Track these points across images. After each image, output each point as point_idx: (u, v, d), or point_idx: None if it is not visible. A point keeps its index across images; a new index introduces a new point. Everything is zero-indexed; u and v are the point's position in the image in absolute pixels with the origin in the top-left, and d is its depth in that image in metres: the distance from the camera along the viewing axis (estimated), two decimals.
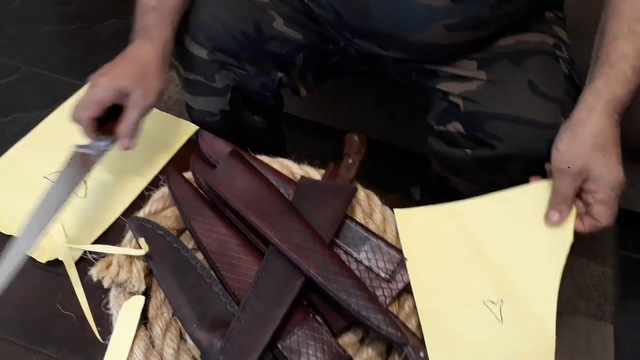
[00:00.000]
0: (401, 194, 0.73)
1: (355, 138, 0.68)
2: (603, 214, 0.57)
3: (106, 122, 0.65)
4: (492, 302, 0.58)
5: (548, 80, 0.65)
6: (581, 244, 1.21)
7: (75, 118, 0.63)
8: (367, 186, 0.70)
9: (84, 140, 0.65)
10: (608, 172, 0.56)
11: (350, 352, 0.55)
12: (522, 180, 0.68)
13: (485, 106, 0.66)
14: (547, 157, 0.64)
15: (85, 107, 0.63)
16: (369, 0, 0.65)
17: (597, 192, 0.57)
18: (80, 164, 0.63)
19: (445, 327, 0.57)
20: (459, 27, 0.65)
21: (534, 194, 0.61)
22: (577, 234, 0.59)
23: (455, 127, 0.69)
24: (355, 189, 0.65)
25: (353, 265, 0.61)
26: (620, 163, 0.56)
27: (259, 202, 0.59)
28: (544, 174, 0.67)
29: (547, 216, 0.59)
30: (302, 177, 0.66)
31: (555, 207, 0.58)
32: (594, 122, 0.56)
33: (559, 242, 0.59)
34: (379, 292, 0.59)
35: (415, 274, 0.60)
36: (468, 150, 0.69)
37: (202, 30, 0.72)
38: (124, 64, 0.65)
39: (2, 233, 0.65)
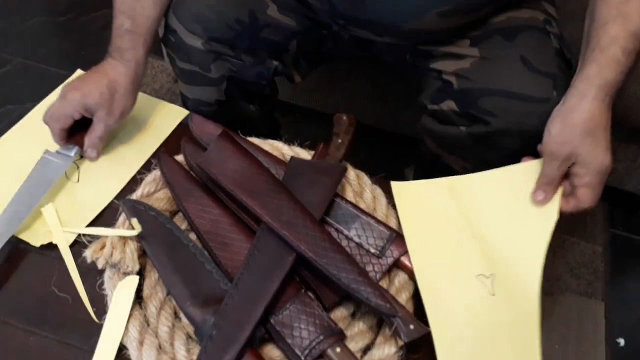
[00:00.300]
0: (394, 177, 0.73)
1: (344, 118, 0.69)
2: (587, 197, 0.59)
3: (75, 130, 0.71)
4: (485, 277, 0.59)
5: (540, 55, 0.66)
6: (572, 224, 1.24)
7: (47, 124, 0.69)
8: (359, 169, 0.71)
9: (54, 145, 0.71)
10: (595, 157, 0.57)
11: (341, 326, 0.56)
12: (516, 155, 0.69)
13: (479, 83, 0.67)
14: (541, 132, 0.65)
15: (56, 119, 0.69)
16: None
17: (583, 175, 0.58)
18: (49, 169, 0.69)
19: (442, 298, 0.58)
20: (452, 13, 0.66)
21: (524, 173, 0.64)
22: (562, 213, 0.62)
23: (449, 105, 0.70)
24: (345, 168, 0.66)
25: (344, 242, 0.62)
26: (608, 149, 0.58)
27: (249, 182, 0.60)
28: (536, 151, 0.68)
29: (533, 194, 0.61)
30: (292, 157, 0.67)
31: (542, 188, 0.61)
32: (585, 109, 0.57)
33: (545, 219, 0.61)
34: (369, 268, 0.60)
35: (413, 245, 0.61)
36: (462, 128, 0.70)
37: (197, 20, 0.72)
38: (95, 82, 0.69)
39: None
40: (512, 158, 0.69)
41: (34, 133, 0.74)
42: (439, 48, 0.71)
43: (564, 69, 0.67)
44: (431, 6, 0.64)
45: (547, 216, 0.61)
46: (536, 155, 0.64)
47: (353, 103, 1.16)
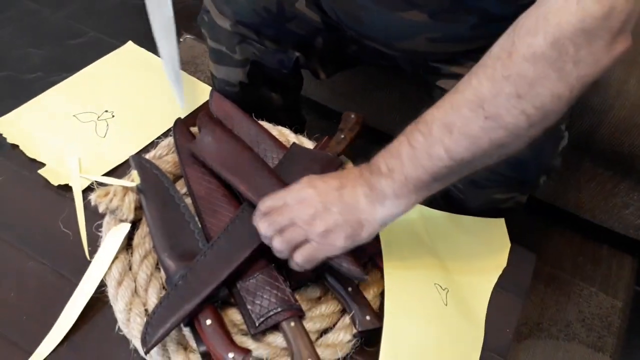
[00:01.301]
0: None
1: (352, 116, 0.72)
2: None
3: None
4: (441, 287, 0.61)
5: None
6: (594, 273, 1.19)
7: None
8: None
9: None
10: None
11: (305, 307, 0.59)
12: (502, 179, 0.70)
13: None
14: (523, 159, 0.66)
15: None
16: (360, 11, 0.69)
17: None
18: None
19: (402, 297, 0.60)
20: (441, 40, 0.67)
21: (485, 225, 0.72)
22: None
23: None
24: (341, 162, 0.69)
25: None
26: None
27: (235, 161, 0.64)
28: (523, 175, 0.68)
29: None
30: (294, 143, 0.70)
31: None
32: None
33: (494, 264, 0.69)
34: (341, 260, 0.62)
35: (386, 247, 0.63)
36: None
37: (228, 2, 0.78)
38: None
39: (35, 160, 0.73)
40: (497, 182, 0.70)
41: (80, 88, 0.83)
42: (447, 67, 0.73)
43: None
44: (421, 30, 0.65)
45: (496, 263, 0.69)
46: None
47: (385, 114, 1.18)
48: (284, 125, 0.79)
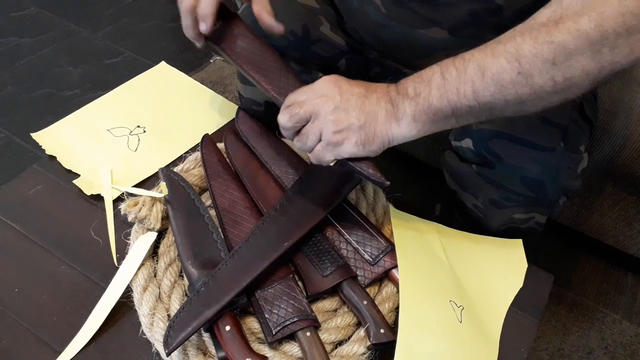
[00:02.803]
0: (425, 209, 0.77)
1: None
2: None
3: None
4: (456, 304, 0.62)
5: (554, 107, 0.67)
6: (617, 300, 1.17)
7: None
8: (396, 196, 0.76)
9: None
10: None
11: (321, 318, 0.61)
12: (519, 200, 0.71)
13: (494, 125, 0.69)
14: (543, 181, 0.67)
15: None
16: (379, 29, 0.71)
17: None
18: None
19: (417, 311, 0.61)
20: None
21: (502, 245, 0.72)
22: None
23: (467, 143, 0.73)
24: (360, 178, 0.71)
25: (342, 245, 0.67)
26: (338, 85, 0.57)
27: (259, 59, 0.66)
28: (541, 195, 0.69)
29: None
30: None
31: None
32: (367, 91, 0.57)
33: (510, 284, 0.69)
34: (360, 272, 0.64)
35: (402, 262, 0.64)
36: (474, 166, 0.72)
37: (256, 24, 0.81)
38: None
39: (71, 171, 0.78)
40: (516, 202, 0.71)
41: (114, 105, 0.87)
42: None
43: (581, 125, 0.67)
44: (441, 47, 0.67)
45: (513, 283, 0.69)
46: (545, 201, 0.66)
47: None
48: None
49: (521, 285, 0.70)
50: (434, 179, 1.26)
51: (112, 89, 0.94)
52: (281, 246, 0.62)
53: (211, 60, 1.67)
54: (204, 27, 0.62)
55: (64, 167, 0.78)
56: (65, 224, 0.72)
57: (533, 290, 0.70)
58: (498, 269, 0.71)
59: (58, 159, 0.79)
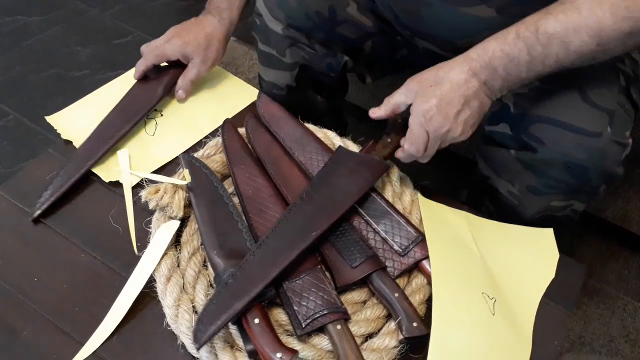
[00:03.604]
0: (449, 195, 0.75)
1: (399, 120, 0.71)
2: (407, 140, 0.64)
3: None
4: (488, 297, 0.60)
5: (600, 90, 0.64)
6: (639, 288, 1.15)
7: (143, 54, 0.83)
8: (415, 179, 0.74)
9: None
10: (421, 104, 0.62)
11: (350, 310, 0.59)
12: (560, 187, 0.68)
13: (534, 109, 0.66)
14: (588, 167, 0.64)
15: (154, 55, 0.82)
16: (419, 7, 0.68)
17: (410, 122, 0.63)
18: None
19: (450, 305, 0.59)
20: None
21: (534, 235, 0.70)
22: (393, 158, 0.70)
23: (503, 128, 0.70)
24: (387, 165, 0.68)
25: (370, 235, 0.64)
26: (436, 98, 0.61)
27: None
28: (584, 182, 0.66)
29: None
30: (340, 147, 0.70)
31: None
32: (445, 71, 0.61)
33: (542, 275, 0.67)
34: (389, 264, 0.62)
35: (434, 253, 0.62)
36: (512, 151, 0.70)
37: (281, 6, 0.78)
38: (195, 33, 0.82)
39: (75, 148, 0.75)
40: (556, 189, 0.68)
41: (126, 88, 0.84)
42: None
43: (627, 109, 0.65)
44: (485, 27, 0.64)
45: (544, 273, 0.68)
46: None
47: None
48: (324, 126, 0.79)
49: (553, 276, 0.68)
50: (456, 164, 1.24)
51: (121, 69, 0.91)
52: (309, 236, 0.60)
53: None
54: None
55: None
56: (83, 211, 0.70)
57: (565, 281, 0.68)
58: (529, 259, 0.69)
59: (74, 143, 0.76)
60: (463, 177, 1.06)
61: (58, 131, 0.78)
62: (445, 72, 0.61)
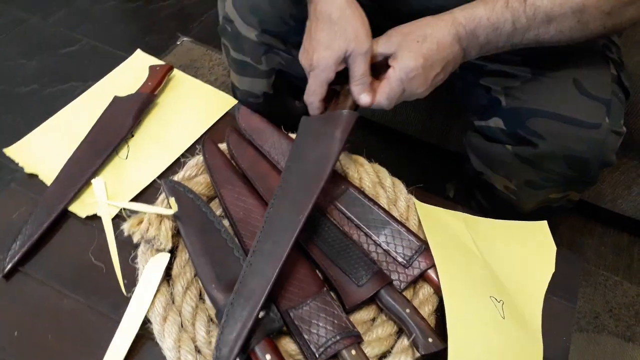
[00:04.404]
0: (434, 190, 0.73)
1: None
2: (382, 89, 0.61)
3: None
4: (496, 300, 0.59)
5: (594, 80, 0.64)
6: (616, 262, 1.19)
7: (310, 104, 0.66)
8: (399, 178, 0.72)
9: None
10: (408, 58, 0.59)
11: (360, 330, 0.56)
12: (560, 180, 0.67)
13: (528, 102, 0.65)
14: (588, 159, 0.63)
15: (316, 94, 0.64)
16: None
17: (391, 69, 0.60)
18: None
19: (462, 314, 0.58)
20: None
21: (529, 229, 0.70)
22: (358, 106, 0.64)
23: (496, 122, 0.69)
24: (355, 115, 0.64)
25: (372, 248, 0.62)
26: (423, 57, 0.58)
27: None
28: (584, 173, 0.66)
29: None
30: (303, 117, 0.67)
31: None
32: (427, 26, 0.59)
33: (543, 270, 0.67)
34: (394, 276, 0.60)
35: (439, 261, 0.61)
36: (509, 147, 0.68)
37: (253, 11, 0.73)
38: (325, 32, 0.61)
39: (43, 183, 0.70)
40: (555, 182, 0.68)
41: (90, 109, 0.78)
42: (489, 64, 0.70)
43: (620, 97, 0.64)
44: (454, 4, 0.63)
45: (545, 267, 0.67)
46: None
47: (398, 113, 1.16)
48: None
49: (553, 270, 0.67)
50: (431, 155, 1.23)
51: (74, 81, 0.85)
52: (297, 220, 0.56)
53: (178, 42, 1.56)
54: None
55: (47, 185, 0.69)
56: (60, 251, 0.64)
57: (564, 274, 0.68)
58: (528, 255, 0.69)
59: (40, 177, 0.70)
60: (448, 169, 1.05)
61: (20, 165, 0.71)
62: (433, 30, 0.59)
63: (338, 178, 0.68)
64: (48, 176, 0.70)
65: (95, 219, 0.66)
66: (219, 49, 1.55)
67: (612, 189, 1.11)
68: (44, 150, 0.73)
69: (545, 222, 0.71)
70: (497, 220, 0.70)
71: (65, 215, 0.67)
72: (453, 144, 1.15)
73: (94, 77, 0.88)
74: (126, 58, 0.90)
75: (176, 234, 0.62)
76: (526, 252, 0.68)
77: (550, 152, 0.65)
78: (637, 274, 1.18)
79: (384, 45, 0.61)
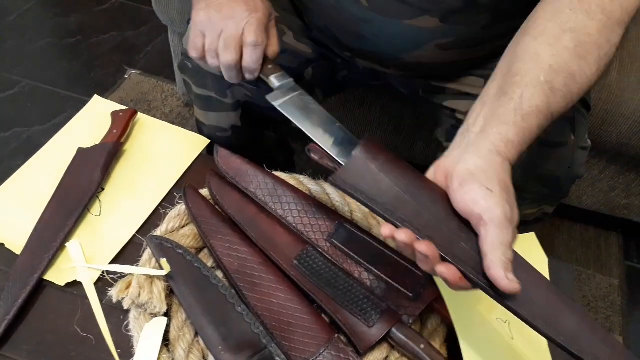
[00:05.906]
0: None
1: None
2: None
3: None
4: (502, 320, 0.59)
5: None
6: (587, 256, 1.23)
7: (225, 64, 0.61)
8: None
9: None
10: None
11: None
12: (530, 199, 0.69)
13: None
14: (559, 176, 0.65)
15: (232, 49, 0.60)
16: (359, 25, 0.65)
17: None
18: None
19: (474, 340, 0.57)
20: (452, 45, 0.65)
21: (518, 242, 0.61)
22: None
23: None
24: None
25: (374, 284, 0.61)
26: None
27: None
28: (556, 190, 0.68)
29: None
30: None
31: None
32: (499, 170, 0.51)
33: None
34: (402, 311, 0.59)
35: (445, 292, 0.60)
36: None
37: None
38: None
39: (11, 252, 0.64)
40: (529, 200, 0.69)
41: (50, 165, 0.73)
42: (451, 86, 0.71)
43: (583, 113, 0.66)
44: (430, 38, 0.63)
45: None
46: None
47: (365, 129, 1.16)
48: (275, 159, 0.74)
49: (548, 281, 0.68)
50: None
51: (17, 127, 0.79)
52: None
53: (126, 76, 1.50)
54: (251, 77, 0.63)
55: (16, 254, 0.64)
56: (42, 327, 0.58)
57: (558, 284, 0.69)
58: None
59: (6, 245, 0.64)
60: None
61: None
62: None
63: (329, 213, 0.66)
64: (16, 244, 0.64)
65: (75, 285, 0.61)
66: (170, 80, 1.50)
67: (577, 187, 1.15)
68: (6, 216, 0.67)
69: (533, 233, 0.72)
70: None
71: (41, 285, 0.61)
72: (420, 159, 1.16)
73: (39, 121, 0.82)
74: (70, 97, 0.85)
75: (169, 294, 0.58)
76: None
77: (522, 173, 0.66)
78: (607, 265, 1.23)
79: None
